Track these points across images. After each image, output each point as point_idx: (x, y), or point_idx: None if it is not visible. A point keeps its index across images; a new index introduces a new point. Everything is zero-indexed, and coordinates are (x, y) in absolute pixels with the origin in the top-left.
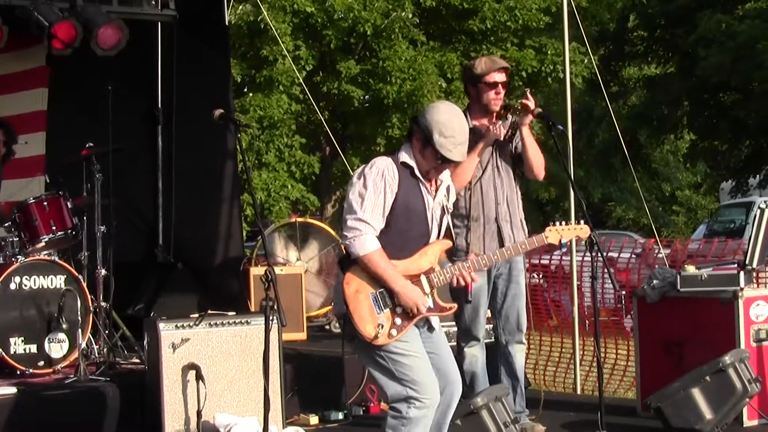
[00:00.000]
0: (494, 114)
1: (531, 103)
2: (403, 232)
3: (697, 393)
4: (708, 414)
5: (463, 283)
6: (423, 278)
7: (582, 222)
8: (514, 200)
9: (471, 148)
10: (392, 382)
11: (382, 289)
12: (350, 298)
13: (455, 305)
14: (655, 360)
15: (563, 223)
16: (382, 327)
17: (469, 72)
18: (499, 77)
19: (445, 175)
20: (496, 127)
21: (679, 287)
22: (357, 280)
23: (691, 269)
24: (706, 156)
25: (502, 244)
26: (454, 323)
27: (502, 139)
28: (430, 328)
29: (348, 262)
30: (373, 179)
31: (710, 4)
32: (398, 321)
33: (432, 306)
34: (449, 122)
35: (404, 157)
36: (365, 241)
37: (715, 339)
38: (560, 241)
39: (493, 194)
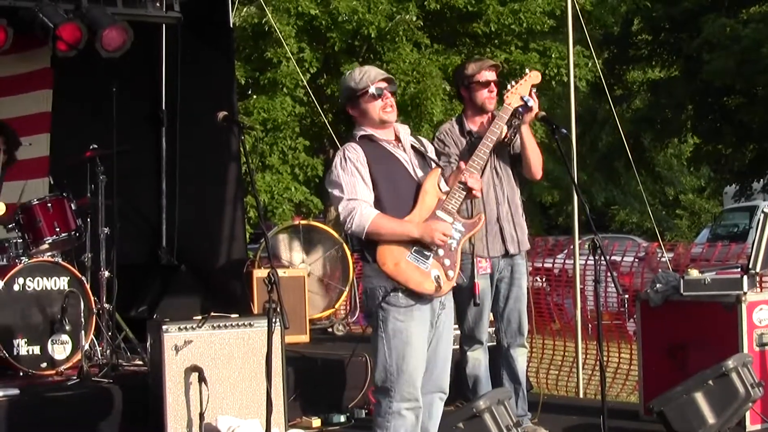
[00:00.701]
0: (490, 114)
1: (535, 105)
2: (394, 195)
3: (699, 397)
4: (711, 418)
5: (477, 188)
6: (439, 212)
7: (529, 72)
8: (515, 200)
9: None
10: (380, 366)
11: (414, 246)
12: (395, 273)
13: (481, 213)
14: (658, 364)
15: (513, 83)
16: (438, 276)
17: (459, 74)
18: (490, 75)
19: (404, 131)
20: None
21: (682, 291)
22: (388, 255)
23: (694, 273)
24: (709, 160)
25: (504, 244)
26: (456, 326)
27: (504, 139)
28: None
29: (367, 249)
30: (340, 165)
31: (715, 8)
32: (447, 261)
33: (463, 229)
34: (351, 73)
35: (359, 131)
36: (362, 214)
37: (718, 343)
38: (522, 98)
39: (493, 195)
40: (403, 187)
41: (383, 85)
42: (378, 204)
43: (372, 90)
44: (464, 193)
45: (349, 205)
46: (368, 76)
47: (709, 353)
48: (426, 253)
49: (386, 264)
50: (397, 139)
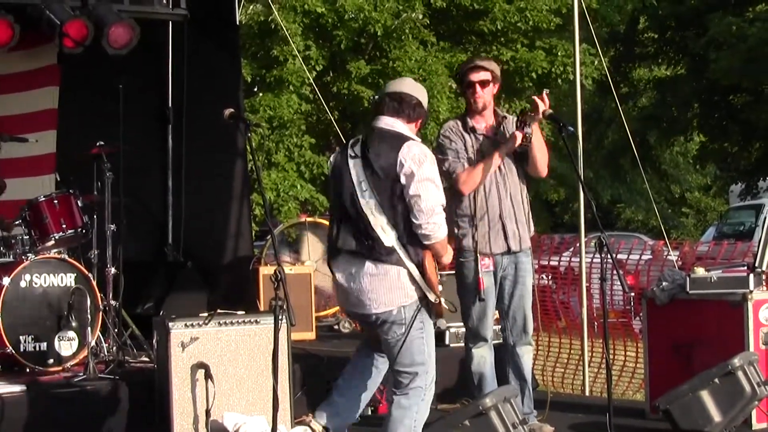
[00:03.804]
0: (504, 119)
1: (542, 104)
2: None
3: (705, 395)
4: (717, 417)
5: None
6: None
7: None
8: (519, 197)
9: (480, 152)
10: (423, 355)
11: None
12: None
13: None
14: (664, 362)
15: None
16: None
17: (457, 76)
18: (475, 77)
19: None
20: (514, 134)
21: (688, 289)
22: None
23: (700, 271)
24: (716, 158)
25: (507, 241)
26: (462, 324)
27: (520, 145)
28: None
29: (403, 250)
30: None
31: (721, 6)
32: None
33: None
34: None
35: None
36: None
37: (724, 341)
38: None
39: (496, 192)
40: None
41: None
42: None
43: None
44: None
45: (440, 209)
46: None
47: (715, 351)
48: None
49: (428, 266)
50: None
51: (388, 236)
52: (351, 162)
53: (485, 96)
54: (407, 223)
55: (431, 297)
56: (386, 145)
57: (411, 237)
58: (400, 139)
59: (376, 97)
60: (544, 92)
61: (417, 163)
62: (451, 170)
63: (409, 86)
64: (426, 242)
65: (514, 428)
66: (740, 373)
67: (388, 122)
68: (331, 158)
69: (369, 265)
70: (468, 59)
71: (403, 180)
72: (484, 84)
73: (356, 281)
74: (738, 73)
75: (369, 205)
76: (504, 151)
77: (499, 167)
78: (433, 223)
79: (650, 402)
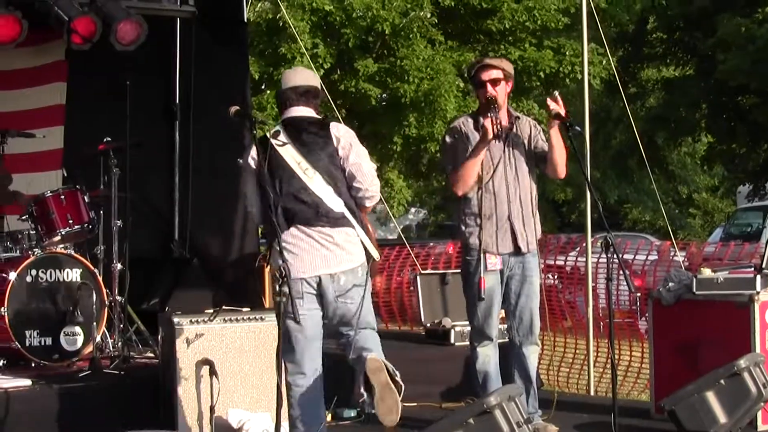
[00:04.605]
0: (483, 112)
1: (554, 105)
2: None
3: (711, 396)
4: (722, 418)
5: None
6: None
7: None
8: (527, 197)
9: (472, 152)
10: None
11: None
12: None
13: None
14: (670, 363)
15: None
16: None
17: (468, 75)
18: (486, 76)
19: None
20: (484, 125)
21: (694, 290)
22: None
23: (707, 272)
24: (723, 159)
25: (515, 242)
26: (467, 323)
27: (491, 135)
28: None
29: None
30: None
31: (730, 7)
32: None
33: None
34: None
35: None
36: None
37: (730, 342)
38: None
39: (505, 192)
40: None
41: None
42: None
43: None
44: None
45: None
46: None
47: (721, 352)
48: None
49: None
50: None
51: (337, 205)
52: (281, 150)
53: (498, 95)
54: (348, 191)
55: (376, 255)
56: (314, 127)
57: (352, 202)
58: (324, 121)
59: (253, 125)
60: (556, 93)
61: (351, 137)
62: (446, 171)
63: (307, 76)
64: (368, 204)
65: (518, 427)
66: (746, 375)
67: (302, 111)
68: (251, 156)
69: (330, 231)
70: (478, 58)
71: (341, 153)
72: (495, 82)
73: (322, 247)
74: (746, 74)
75: (314, 181)
76: (483, 146)
77: (510, 169)
78: (374, 185)
79: (655, 402)
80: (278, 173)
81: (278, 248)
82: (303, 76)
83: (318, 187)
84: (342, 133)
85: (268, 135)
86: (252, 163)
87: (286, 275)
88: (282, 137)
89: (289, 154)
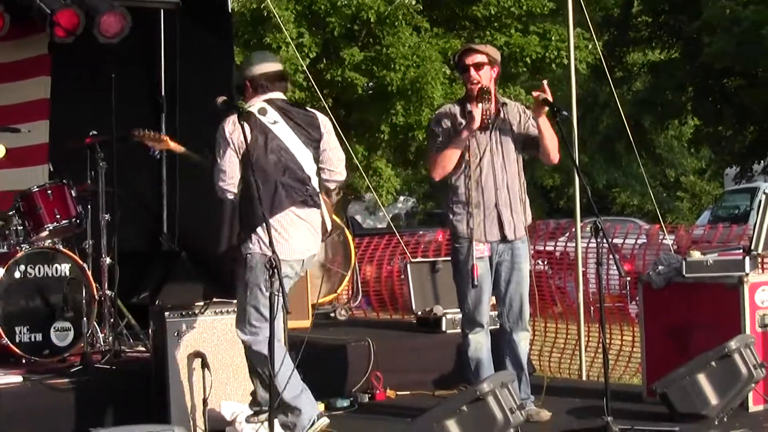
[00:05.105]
0: (473, 99)
1: (543, 94)
2: None
3: (702, 378)
4: (714, 399)
5: None
6: None
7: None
8: (515, 185)
9: (455, 138)
10: None
11: None
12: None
13: None
14: (661, 346)
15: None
16: None
17: (452, 62)
18: (470, 60)
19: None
20: (472, 113)
21: (684, 273)
22: None
23: (696, 255)
24: (710, 141)
25: (502, 229)
26: (458, 310)
27: (478, 125)
28: None
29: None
30: None
31: None
32: None
33: None
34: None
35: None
36: None
37: (720, 324)
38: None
39: (492, 180)
40: None
41: None
42: None
43: None
44: None
45: None
46: None
47: (712, 335)
48: None
49: None
50: None
51: (317, 185)
52: (273, 127)
53: (482, 79)
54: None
55: (329, 226)
56: (297, 108)
57: (319, 183)
58: (304, 106)
59: (241, 115)
60: (544, 83)
61: (329, 123)
62: (427, 157)
63: (274, 62)
64: (332, 186)
65: (511, 413)
66: (737, 356)
67: (279, 95)
68: (240, 130)
69: (312, 212)
70: (463, 45)
71: (325, 136)
72: (478, 66)
73: (307, 231)
74: (732, 56)
75: (306, 158)
76: (468, 134)
77: (496, 154)
78: (344, 172)
79: (647, 386)
80: (271, 150)
81: (267, 232)
82: (270, 62)
83: (308, 165)
84: (322, 119)
85: (253, 111)
86: (234, 138)
87: (276, 266)
88: (271, 115)
89: (283, 131)
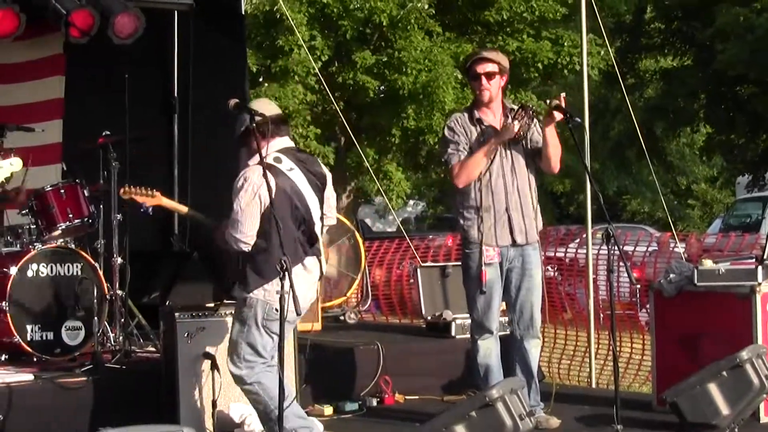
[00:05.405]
0: (511, 111)
1: (554, 100)
2: None
3: (713, 388)
4: (724, 409)
5: None
6: None
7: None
8: (526, 189)
9: (482, 143)
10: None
11: None
12: None
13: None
14: (671, 354)
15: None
16: None
17: (464, 67)
18: (481, 68)
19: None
20: (508, 124)
21: (696, 282)
22: None
23: (708, 263)
24: (722, 149)
25: (512, 234)
26: (467, 315)
27: (511, 135)
28: None
29: None
30: None
31: None
32: None
33: None
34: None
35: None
36: None
37: (732, 334)
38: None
39: (502, 184)
40: None
41: None
42: None
43: None
44: None
45: None
46: None
47: (723, 344)
48: None
49: None
50: None
51: (319, 229)
52: (290, 174)
53: (492, 88)
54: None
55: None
56: (309, 158)
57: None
58: (304, 150)
59: (252, 118)
60: (562, 95)
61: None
62: (447, 162)
63: (270, 106)
64: (323, 231)
65: (521, 420)
66: (748, 366)
67: (288, 142)
68: (266, 185)
69: (313, 260)
70: (474, 51)
71: (328, 181)
72: (490, 76)
73: (313, 283)
74: (745, 63)
75: (315, 205)
76: (497, 143)
77: (506, 159)
78: (335, 217)
79: (657, 394)
80: (290, 201)
81: (287, 284)
82: (268, 106)
83: (316, 212)
84: (323, 166)
85: (273, 163)
86: (262, 192)
87: (287, 269)
88: (287, 163)
89: (297, 180)
